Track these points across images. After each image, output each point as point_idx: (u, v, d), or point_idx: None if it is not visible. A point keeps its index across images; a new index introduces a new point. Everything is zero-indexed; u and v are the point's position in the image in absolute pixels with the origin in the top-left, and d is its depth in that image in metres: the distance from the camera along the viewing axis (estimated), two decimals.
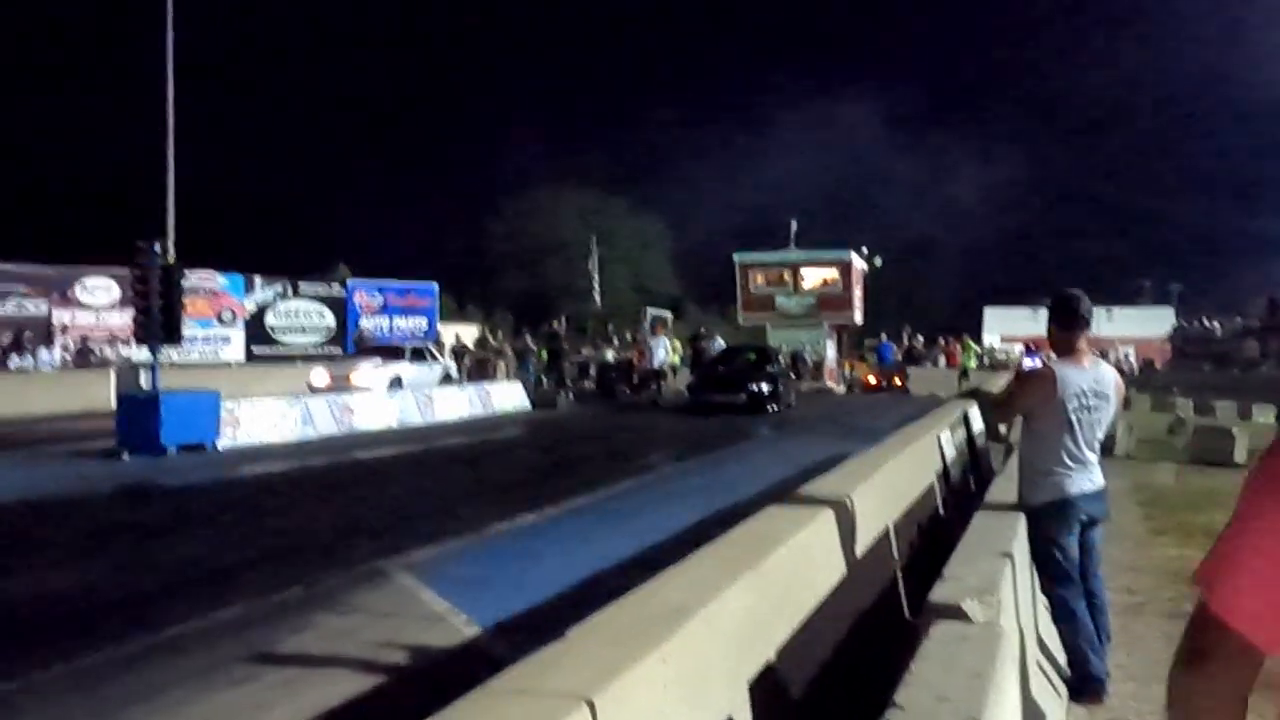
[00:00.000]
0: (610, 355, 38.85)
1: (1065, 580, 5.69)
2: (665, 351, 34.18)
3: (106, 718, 5.68)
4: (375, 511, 12.46)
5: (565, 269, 65.79)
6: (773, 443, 20.59)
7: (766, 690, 3.90)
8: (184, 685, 6.16)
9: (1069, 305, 5.80)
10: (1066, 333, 5.79)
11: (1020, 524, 5.80)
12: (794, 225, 42.78)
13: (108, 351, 32.15)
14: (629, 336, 41.26)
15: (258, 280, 39.00)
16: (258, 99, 72.75)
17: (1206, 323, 34.66)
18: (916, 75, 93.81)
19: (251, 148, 66.11)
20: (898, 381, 37.51)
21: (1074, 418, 5.65)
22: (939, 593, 4.19)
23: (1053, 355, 5.97)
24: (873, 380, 38.73)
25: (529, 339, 37.89)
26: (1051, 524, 5.73)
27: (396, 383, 27.87)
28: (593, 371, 37.06)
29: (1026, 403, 5.91)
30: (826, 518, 5.52)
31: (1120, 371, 6.23)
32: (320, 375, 27.96)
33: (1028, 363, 6.12)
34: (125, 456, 17.04)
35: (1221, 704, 1.56)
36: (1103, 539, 6.33)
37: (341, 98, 76.73)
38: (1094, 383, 5.72)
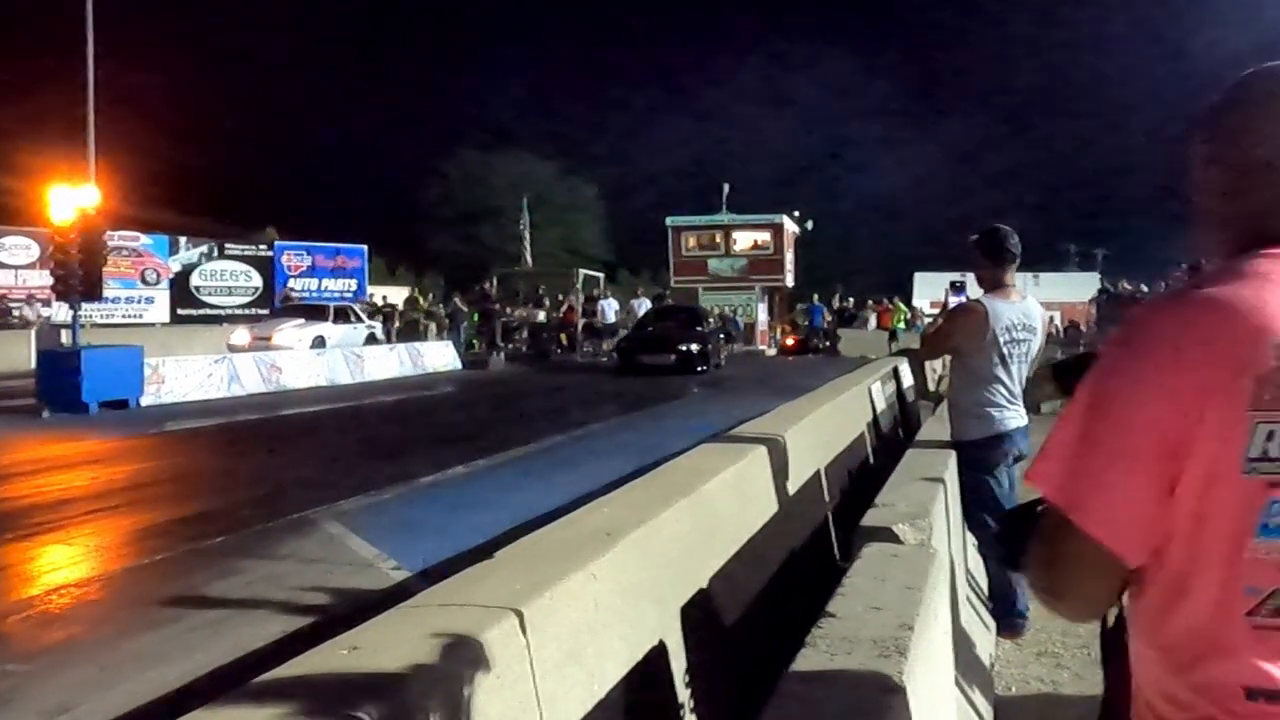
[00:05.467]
0: (542, 316, 38.69)
1: (998, 513, 5.70)
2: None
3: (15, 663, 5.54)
4: (303, 464, 12.29)
5: (497, 233, 65.28)
6: (703, 401, 20.56)
7: (698, 616, 3.87)
8: (101, 629, 6.04)
9: (997, 239, 5.78)
10: (996, 267, 5.77)
11: (951, 458, 5.81)
12: (726, 189, 42.75)
13: (27, 312, 31.43)
14: (560, 298, 41.07)
15: (182, 241, 38.39)
16: (185, 62, 71.21)
17: (1129, 285, 35.07)
18: (859, 47, 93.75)
19: (181, 110, 64.74)
20: (816, 343, 37.60)
21: (1006, 351, 5.64)
22: (871, 517, 4.19)
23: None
24: (790, 342, 38.83)
25: (458, 301, 37.60)
26: (987, 458, 5.73)
27: (319, 342, 27.65)
28: (525, 333, 36.88)
29: (957, 337, 5.89)
30: (759, 455, 5.51)
31: (1049, 335, 6.22)
32: (241, 335, 27.75)
33: (954, 299, 6.13)
34: (46, 414, 16.68)
35: (1103, 600, 1.58)
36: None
37: (270, 63, 75.23)
38: (1022, 316, 5.72)
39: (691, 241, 42.20)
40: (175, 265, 37.75)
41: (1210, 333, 1.41)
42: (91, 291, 18.17)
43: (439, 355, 29.27)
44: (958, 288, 6.12)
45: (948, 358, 6.41)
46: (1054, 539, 1.50)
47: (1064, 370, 2.03)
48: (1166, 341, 1.43)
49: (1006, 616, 5.71)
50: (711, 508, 4.42)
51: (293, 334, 27.58)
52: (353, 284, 42.93)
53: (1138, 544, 1.45)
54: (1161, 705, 1.49)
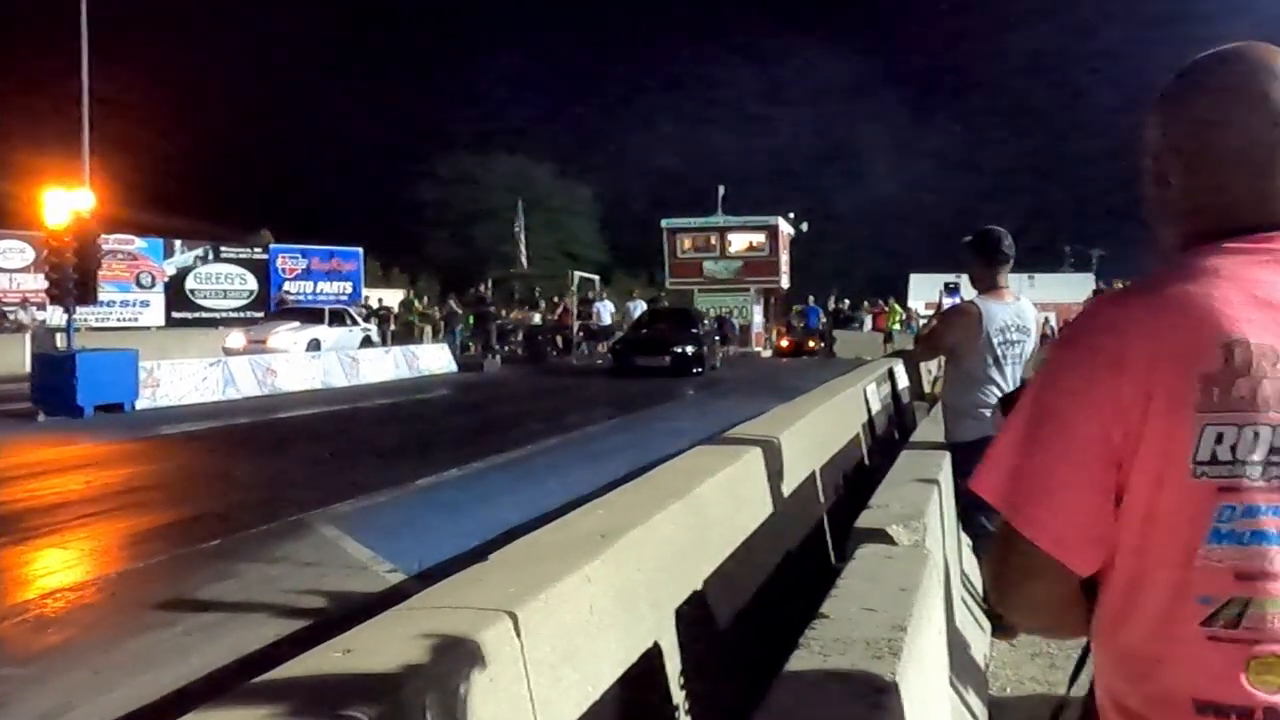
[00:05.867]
0: (538, 319, 38.71)
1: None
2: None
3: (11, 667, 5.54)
4: (299, 468, 12.29)
5: (492, 235, 65.17)
6: (698, 403, 20.58)
7: (693, 617, 3.87)
8: (96, 633, 6.04)
9: (991, 240, 5.77)
10: (989, 268, 5.76)
11: (945, 460, 5.81)
12: (721, 191, 42.79)
13: (22, 316, 31.41)
14: (555, 300, 41.09)
15: (177, 244, 38.40)
16: (179, 63, 71.13)
17: (1124, 284, 35.05)
18: (854, 48, 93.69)
19: (176, 112, 64.65)
20: (811, 345, 37.63)
21: (1000, 352, 5.63)
22: (865, 519, 4.19)
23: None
24: (785, 344, 38.89)
25: (453, 303, 37.62)
26: (981, 459, 5.69)
27: (314, 345, 27.65)
28: (520, 336, 36.92)
29: (951, 338, 5.87)
30: (754, 456, 5.52)
31: (1044, 336, 6.22)
32: (236, 338, 27.72)
33: (948, 301, 6.09)
34: (41, 417, 16.67)
35: (1056, 611, 1.50)
36: None
37: (266, 65, 75.13)
38: (1016, 317, 5.70)
39: (687, 244, 42.28)
40: (170, 268, 37.77)
41: (1155, 332, 1.36)
42: (86, 295, 18.19)
43: (434, 358, 29.26)
44: (952, 289, 6.11)
45: (943, 359, 6.40)
46: (1002, 546, 1.47)
47: (1007, 405, 1.98)
48: (1109, 342, 1.38)
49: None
50: (706, 510, 4.43)
51: (288, 337, 27.56)
52: (348, 287, 42.93)
53: (1084, 552, 1.40)
54: (1115, 716, 1.45)
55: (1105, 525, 1.39)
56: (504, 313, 38.43)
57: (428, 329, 36.95)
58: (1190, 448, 1.33)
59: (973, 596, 5.83)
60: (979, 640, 5.36)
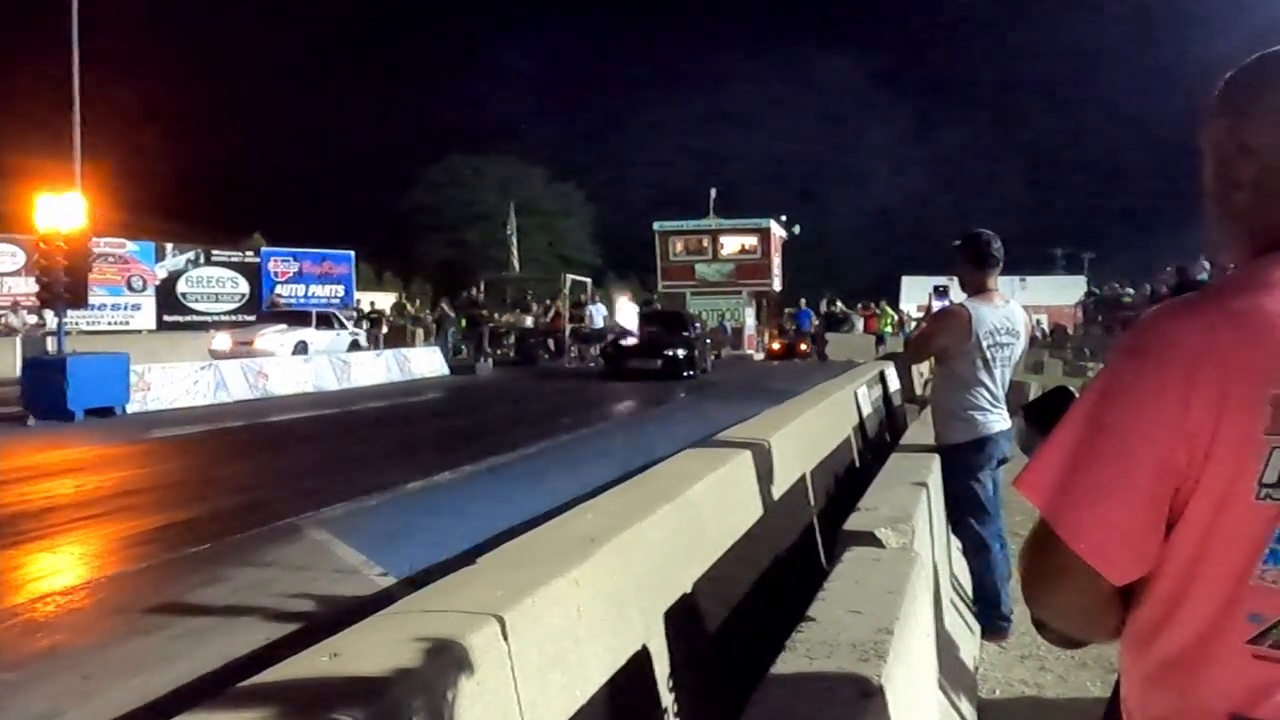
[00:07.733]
0: (530, 322, 38.70)
1: (983, 515, 5.72)
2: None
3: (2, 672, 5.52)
4: (289, 471, 12.27)
5: (485, 239, 65.23)
6: (689, 406, 20.58)
7: (682, 620, 3.87)
8: (86, 637, 6.03)
9: (980, 244, 5.80)
10: (978, 271, 5.79)
11: (934, 462, 5.83)
12: (713, 194, 42.77)
13: (13, 319, 31.32)
14: (548, 303, 41.08)
15: (169, 247, 38.31)
16: (172, 67, 71.03)
17: (1119, 287, 35.03)
18: (849, 52, 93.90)
19: (168, 115, 64.59)
20: (803, 347, 37.62)
21: (989, 355, 5.66)
22: (853, 521, 4.20)
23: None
24: (776, 347, 38.89)
25: (445, 306, 37.61)
26: (971, 461, 5.75)
27: (302, 348, 27.61)
28: (512, 339, 36.90)
29: (941, 341, 5.90)
30: (744, 459, 5.51)
31: (1033, 339, 6.22)
32: (223, 340, 27.71)
33: (937, 303, 6.13)
34: (31, 421, 16.63)
35: (1087, 614, 1.47)
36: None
37: (259, 68, 75.09)
38: (1005, 320, 5.74)
39: (679, 246, 42.25)
40: (161, 272, 37.67)
41: (1226, 350, 1.29)
42: (77, 298, 18.13)
43: (426, 361, 29.25)
44: (941, 292, 6.14)
45: (933, 361, 6.43)
46: (1040, 548, 1.42)
47: (1035, 410, 1.95)
48: (1179, 355, 1.31)
49: (990, 620, 5.73)
50: (695, 512, 4.43)
51: (275, 339, 27.57)
52: (340, 290, 42.86)
53: (1124, 564, 1.37)
54: None
55: (1152, 543, 1.36)
56: (496, 316, 38.40)
57: (420, 332, 36.92)
58: (1258, 471, 1.29)
59: (962, 599, 5.84)
60: (968, 643, 5.37)
